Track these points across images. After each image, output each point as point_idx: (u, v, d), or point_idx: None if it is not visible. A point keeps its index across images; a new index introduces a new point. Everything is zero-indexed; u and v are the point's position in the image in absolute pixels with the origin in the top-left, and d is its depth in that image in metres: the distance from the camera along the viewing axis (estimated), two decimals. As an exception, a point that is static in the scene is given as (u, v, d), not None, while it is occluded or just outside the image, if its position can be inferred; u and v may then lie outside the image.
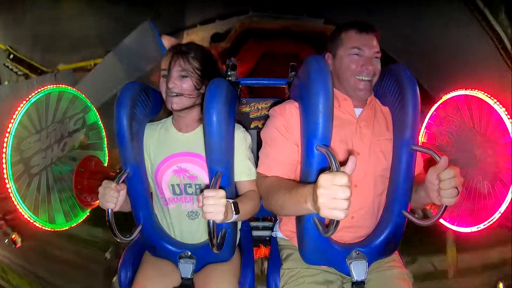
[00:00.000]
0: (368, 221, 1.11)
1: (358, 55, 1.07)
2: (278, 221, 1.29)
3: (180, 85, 1.07)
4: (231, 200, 0.95)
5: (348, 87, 1.09)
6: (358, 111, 1.12)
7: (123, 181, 1.04)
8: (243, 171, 1.14)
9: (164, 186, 1.16)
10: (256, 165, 1.15)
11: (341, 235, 1.09)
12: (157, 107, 1.20)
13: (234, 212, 0.94)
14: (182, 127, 1.17)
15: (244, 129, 1.19)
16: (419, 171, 1.06)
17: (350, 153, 1.06)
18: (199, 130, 1.16)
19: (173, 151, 1.15)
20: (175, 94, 1.07)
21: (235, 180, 1.13)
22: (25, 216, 1.35)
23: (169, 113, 1.23)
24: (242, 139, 1.15)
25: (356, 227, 1.10)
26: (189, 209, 1.16)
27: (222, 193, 0.88)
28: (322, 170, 0.88)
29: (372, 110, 1.14)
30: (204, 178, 1.14)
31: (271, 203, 1.02)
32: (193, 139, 1.15)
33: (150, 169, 1.18)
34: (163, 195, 1.18)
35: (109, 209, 0.99)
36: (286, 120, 1.07)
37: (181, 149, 1.15)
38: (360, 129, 1.09)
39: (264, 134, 1.13)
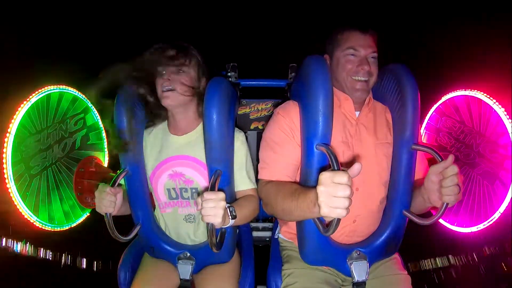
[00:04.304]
0: (371, 226, 1.10)
1: (354, 55, 1.06)
2: (278, 223, 1.28)
3: (176, 79, 1.06)
4: (228, 205, 0.93)
5: (345, 87, 1.08)
6: (356, 113, 1.10)
7: (120, 183, 1.03)
8: (243, 181, 1.12)
9: (160, 190, 1.15)
10: (256, 167, 1.13)
11: (342, 239, 1.08)
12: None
13: (230, 217, 0.93)
14: (178, 130, 1.15)
15: (243, 133, 1.17)
16: (424, 175, 1.04)
17: (353, 156, 1.05)
18: (194, 133, 1.14)
19: (168, 155, 1.13)
20: (170, 88, 1.06)
21: (235, 190, 1.12)
22: (25, 216, 1.35)
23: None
24: (241, 146, 1.12)
25: (358, 231, 1.09)
26: (186, 213, 1.15)
27: (221, 195, 0.86)
28: (322, 169, 0.88)
29: (372, 113, 1.12)
30: (201, 182, 1.12)
31: (274, 208, 1.00)
32: (188, 142, 1.13)
33: (147, 173, 1.17)
34: (160, 200, 1.17)
35: (108, 213, 0.98)
36: (290, 121, 1.06)
37: (176, 152, 1.13)
38: (360, 131, 1.08)
39: (266, 135, 1.10)
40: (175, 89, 1.06)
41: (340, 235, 1.06)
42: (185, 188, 1.12)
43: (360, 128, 1.08)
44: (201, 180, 1.11)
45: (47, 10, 1.50)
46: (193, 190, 1.12)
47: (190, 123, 1.14)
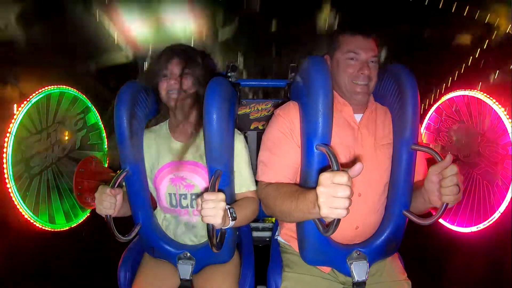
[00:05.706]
0: (372, 229, 1.09)
1: (354, 59, 1.06)
2: (278, 224, 1.28)
3: (181, 83, 1.07)
4: (227, 206, 0.92)
5: (345, 90, 1.08)
6: (358, 116, 1.10)
7: (120, 183, 1.03)
8: (243, 183, 1.12)
9: (161, 195, 1.16)
10: (255, 168, 1.13)
11: (343, 241, 1.07)
12: (157, 107, 1.20)
13: (231, 219, 0.93)
14: (179, 135, 1.16)
15: (242, 135, 1.17)
16: (424, 176, 1.04)
17: (355, 158, 1.05)
18: (196, 139, 1.14)
19: (170, 160, 1.13)
20: (176, 92, 1.07)
21: (235, 192, 1.12)
22: (25, 216, 1.35)
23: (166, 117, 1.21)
24: (241, 148, 1.12)
25: (360, 237, 1.09)
26: (185, 221, 1.16)
27: (221, 196, 0.86)
28: (322, 170, 0.88)
29: (373, 115, 1.12)
30: (202, 187, 1.12)
31: (274, 210, 1.01)
32: (190, 148, 1.13)
33: (149, 177, 1.17)
34: (161, 203, 1.17)
35: (108, 215, 0.98)
36: (290, 122, 1.05)
37: (178, 158, 1.13)
38: (361, 135, 1.08)
39: (266, 137, 1.10)
40: (182, 91, 1.06)
41: (340, 239, 1.07)
42: (185, 194, 1.12)
43: (362, 132, 1.08)
44: (202, 184, 1.12)
45: (47, 10, 1.51)
46: (193, 197, 1.12)
47: (192, 128, 1.14)
